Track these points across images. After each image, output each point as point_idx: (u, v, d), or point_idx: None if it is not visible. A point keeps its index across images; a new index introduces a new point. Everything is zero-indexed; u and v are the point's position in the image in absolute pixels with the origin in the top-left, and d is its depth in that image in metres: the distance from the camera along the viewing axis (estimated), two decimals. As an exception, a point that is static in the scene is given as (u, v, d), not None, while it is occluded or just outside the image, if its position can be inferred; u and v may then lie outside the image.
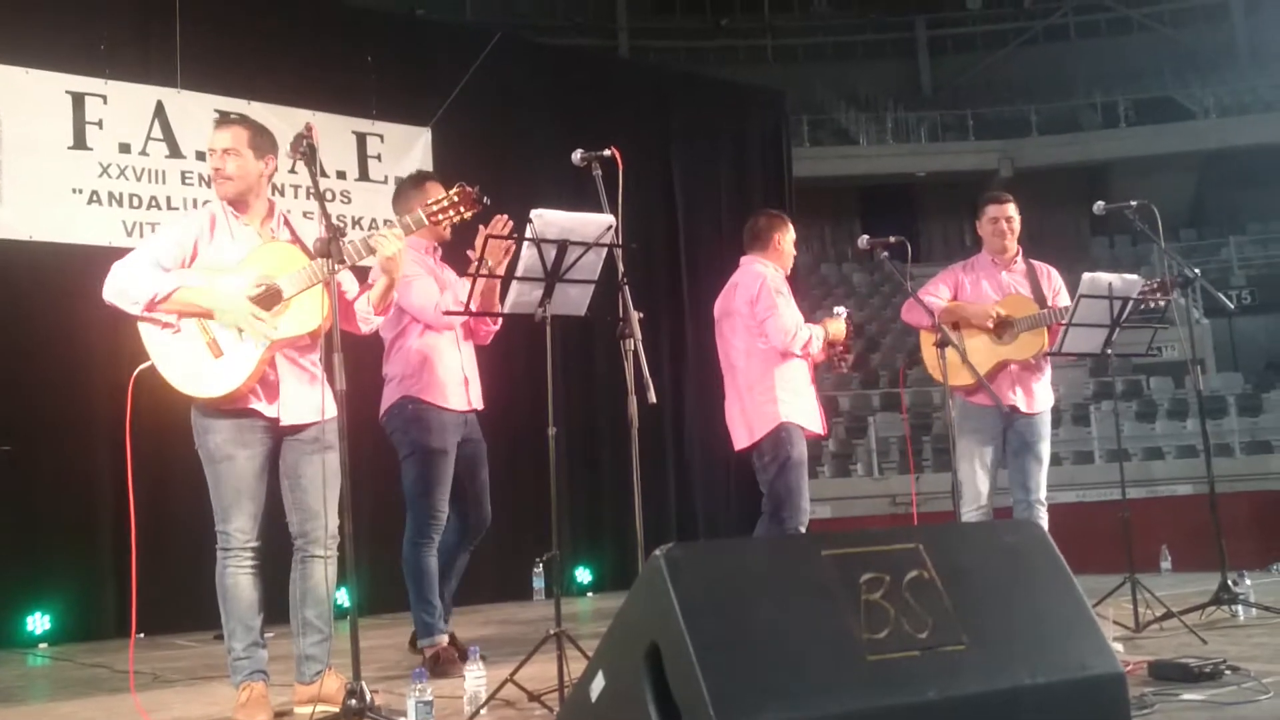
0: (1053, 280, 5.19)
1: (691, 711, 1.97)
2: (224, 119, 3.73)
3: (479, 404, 4.48)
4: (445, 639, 4.33)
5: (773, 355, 4.72)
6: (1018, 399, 4.95)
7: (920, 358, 5.26)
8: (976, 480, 4.93)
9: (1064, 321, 4.82)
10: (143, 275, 3.41)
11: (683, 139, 8.93)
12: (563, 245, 3.54)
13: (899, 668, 2.10)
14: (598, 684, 2.24)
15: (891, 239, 4.58)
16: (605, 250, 3.67)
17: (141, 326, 3.46)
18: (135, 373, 3.42)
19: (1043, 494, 4.97)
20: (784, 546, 2.52)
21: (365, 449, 6.31)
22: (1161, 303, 4.97)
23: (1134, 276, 4.95)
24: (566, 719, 2.51)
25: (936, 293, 5.10)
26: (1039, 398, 5.01)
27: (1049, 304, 5.03)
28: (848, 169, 24.15)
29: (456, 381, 4.36)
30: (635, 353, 3.53)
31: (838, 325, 4.81)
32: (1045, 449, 5.02)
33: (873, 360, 19.77)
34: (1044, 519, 4.86)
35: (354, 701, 2.97)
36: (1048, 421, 5.07)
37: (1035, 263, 5.25)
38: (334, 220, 3.26)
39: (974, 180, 25.07)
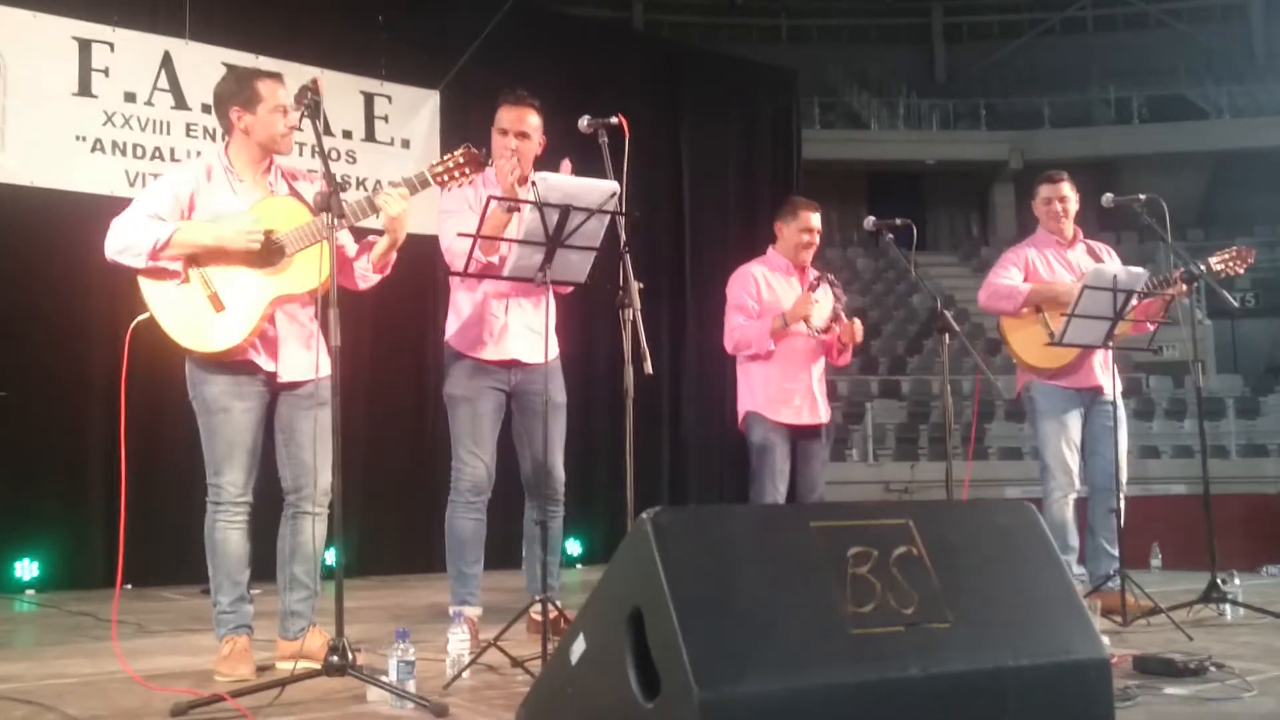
0: (1114, 258, 5.14)
1: (671, 677, 1.96)
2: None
3: (527, 356, 4.11)
4: (473, 611, 4.04)
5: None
6: (1105, 380, 4.88)
7: (1006, 344, 5.13)
8: (1067, 460, 4.92)
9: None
10: (141, 227, 3.36)
11: (693, 114, 8.88)
12: (565, 210, 3.50)
13: (882, 642, 2.09)
14: (578, 647, 2.23)
15: (898, 221, 4.57)
16: (608, 218, 3.62)
17: (141, 279, 3.40)
18: (133, 324, 3.37)
19: (1125, 479, 4.89)
20: (772, 516, 2.50)
21: (358, 408, 6.35)
22: (1169, 296, 4.94)
23: (1140, 269, 4.87)
24: (546, 681, 2.50)
25: (1008, 275, 5.07)
26: (1117, 382, 4.92)
27: None
28: (857, 153, 24.08)
29: (494, 329, 4.13)
30: (634, 322, 3.50)
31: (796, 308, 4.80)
32: (1125, 434, 4.95)
33: (873, 347, 19.71)
34: (1122, 506, 4.79)
35: (336, 659, 2.96)
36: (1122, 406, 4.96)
37: (1092, 242, 5.24)
38: (337, 179, 3.22)
39: (983, 170, 25.02)
